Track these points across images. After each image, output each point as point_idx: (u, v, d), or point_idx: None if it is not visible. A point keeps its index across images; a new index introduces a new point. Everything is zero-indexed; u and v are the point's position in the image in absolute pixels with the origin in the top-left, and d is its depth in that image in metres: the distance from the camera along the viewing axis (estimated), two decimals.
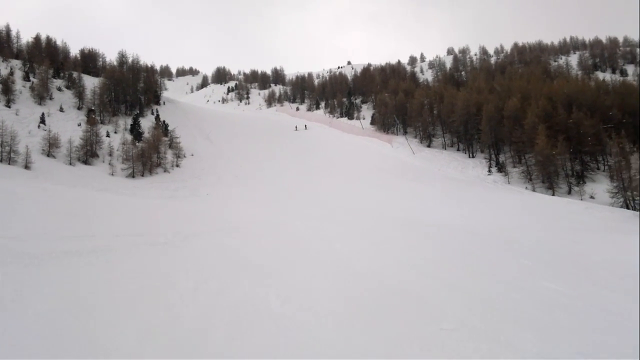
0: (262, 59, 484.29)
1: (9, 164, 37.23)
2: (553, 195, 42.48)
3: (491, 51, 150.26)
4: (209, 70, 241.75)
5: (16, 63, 65.59)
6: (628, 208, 35.42)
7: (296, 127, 74.05)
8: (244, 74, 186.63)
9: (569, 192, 43.83)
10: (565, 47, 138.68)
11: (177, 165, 49.54)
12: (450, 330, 5.86)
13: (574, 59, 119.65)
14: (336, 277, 8.56)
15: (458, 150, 64.47)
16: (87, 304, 5.84)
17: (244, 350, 4.92)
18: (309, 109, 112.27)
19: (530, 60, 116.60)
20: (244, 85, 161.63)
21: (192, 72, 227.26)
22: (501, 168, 52.37)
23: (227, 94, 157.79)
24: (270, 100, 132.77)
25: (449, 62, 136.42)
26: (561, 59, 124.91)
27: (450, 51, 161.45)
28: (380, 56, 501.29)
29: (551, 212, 30.67)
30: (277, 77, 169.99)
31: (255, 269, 8.87)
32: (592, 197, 41.04)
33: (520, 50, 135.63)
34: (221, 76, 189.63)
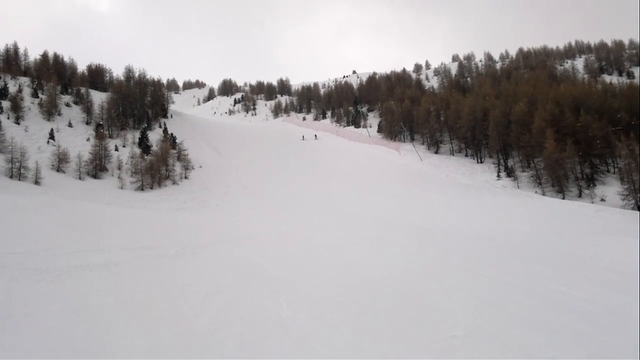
0: (267, 71, 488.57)
1: (19, 179, 37.52)
2: (563, 198, 42.22)
3: (496, 57, 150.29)
4: (215, 83, 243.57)
5: (24, 80, 66.36)
6: (639, 210, 35.14)
7: (303, 137, 73.98)
8: (250, 85, 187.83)
9: (580, 195, 43.52)
10: (571, 51, 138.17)
11: (186, 177, 49.70)
12: (462, 336, 5.83)
13: (580, 63, 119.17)
14: (347, 286, 8.52)
15: (466, 156, 64.30)
16: (99, 318, 5.85)
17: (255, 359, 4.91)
18: (316, 119, 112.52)
19: (535, 65, 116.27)
20: (250, 96, 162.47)
21: (199, 84, 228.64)
22: (510, 173, 52.15)
23: (234, 105, 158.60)
24: (277, 111, 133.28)
25: (454, 68, 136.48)
26: (567, 62, 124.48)
27: (455, 58, 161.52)
28: (384, 64, 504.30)
29: (562, 215, 30.47)
30: (283, 87, 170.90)
31: (266, 278, 8.86)
32: (602, 200, 40.76)
33: (525, 56, 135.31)
34: (227, 88, 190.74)
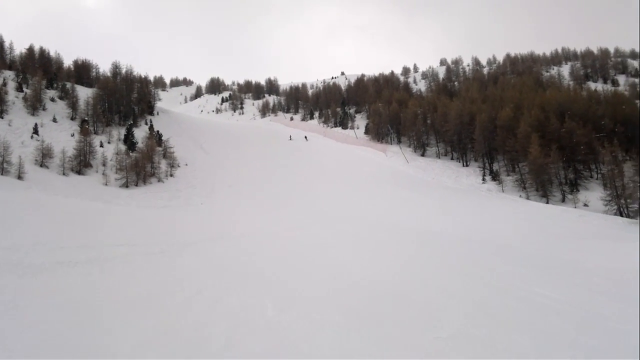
0: (255, 70, 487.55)
1: (1, 174, 36.98)
2: (547, 203, 42.64)
3: (484, 62, 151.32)
4: (202, 81, 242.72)
5: (9, 74, 65.45)
6: (622, 215, 35.62)
7: (290, 137, 73.72)
8: (238, 84, 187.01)
9: (563, 200, 44.03)
10: (557, 58, 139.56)
11: (171, 175, 49.37)
12: (447, 337, 5.85)
13: (565, 70, 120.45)
14: (333, 285, 8.52)
15: (452, 159, 64.73)
16: (83, 313, 5.79)
17: (241, 358, 4.88)
18: (303, 119, 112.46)
19: (522, 70, 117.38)
20: (238, 95, 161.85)
21: (186, 82, 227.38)
22: (495, 176, 52.57)
23: (221, 104, 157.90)
24: (265, 110, 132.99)
25: (442, 72, 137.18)
26: (553, 69, 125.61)
27: (443, 62, 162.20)
28: (372, 66, 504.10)
29: (545, 219, 30.75)
30: (271, 87, 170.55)
31: (252, 277, 8.82)
32: (585, 205, 41.26)
33: (512, 61, 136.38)
34: (215, 86, 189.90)
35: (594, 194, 43.03)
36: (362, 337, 5.75)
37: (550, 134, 51.23)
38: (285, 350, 5.18)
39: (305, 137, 74.56)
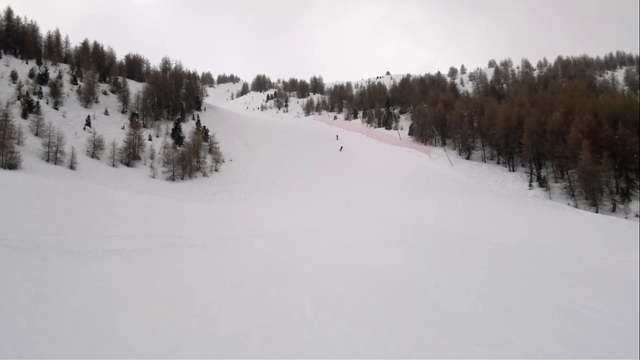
0: (300, 68, 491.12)
1: (55, 163, 38.55)
2: (596, 212, 41.26)
3: (534, 64, 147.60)
4: (249, 78, 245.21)
5: (64, 67, 68.21)
6: None
7: (337, 137, 73.68)
8: (283, 82, 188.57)
9: (614, 210, 42.46)
10: (612, 62, 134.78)
11: (216, 170, 50.30)
12: (487, 346, 5.75)
13: (620, 74, 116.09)
14: (371, 287, 8.49)
15: (498, 163, 63.35)
16: (126, 302, 5.94)
17: (279, 354, 4.92)
18: (347, 118, 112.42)
19: (574, 74, 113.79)
20: (283, 93, 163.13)
21: (233, 79, 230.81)
22: (542, 183, 51.17)
23: (266, 101, 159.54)
24: (309, 109, 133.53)
25: (490, 74, 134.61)
26: (607, 73, 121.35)
27: (491, 63, 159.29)
28: (416, 66, 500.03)
29: (594, 229, 29.76)
30: (316, 85, 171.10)
31: (291, 274, 8.87)
32: (637, 216, 39.66)
33: (564, 64, 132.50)
34: (261, 84, 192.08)
35: None
36: (400, 340, 5.70)
37: (602, 141, 49.47)
38: (322, 349, 5.18)
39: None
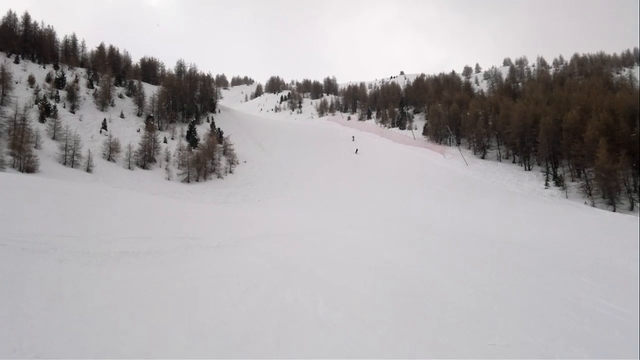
0: (313, 69, 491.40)
1: (72, 166, 39.06)
2: (614, 211, 40.68)
3: (550, 62, 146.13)
4: (263, 80, 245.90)
5: (81, 71, 69.02)
6: None
7: (353, 138, 73.12)
8: (297, 83, 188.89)
9: (632, 209, 41.82)
10: (629, 59, 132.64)
11: (231, 172, 50.55)
12: (502, 345, 5.74)
13: (637, 71, 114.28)
14: (385, 287, 8.49)
15: (513, 162, 62.74)
16: (142, 303, 6.02)
17: (292, 354, 4.95)
18: (361, 119, 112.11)
19: (591, 71, 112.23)
20: (297, 94, 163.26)
21: (247, 81, 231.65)
22: (559, 182, 50.59)
23: (280, 102, 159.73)
24: (322, 110, 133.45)
25: (505, 72, 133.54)
26: (624, 70, 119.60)
27: (506, 62, 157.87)
28: (430, 65, 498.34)
29: (612, 228, 29.36)
30: (329, 86, 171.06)
31: (305, 275, 8.90)
32: None
33: (580, 62, 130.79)
34: (274, 85, 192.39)
35: None
36: (414, 340, 5.71)
37: (619, 139, 48.75)
38: (335, 349, 5.21)
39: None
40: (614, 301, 8.90)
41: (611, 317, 7.70)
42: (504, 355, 5.43)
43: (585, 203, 43.78)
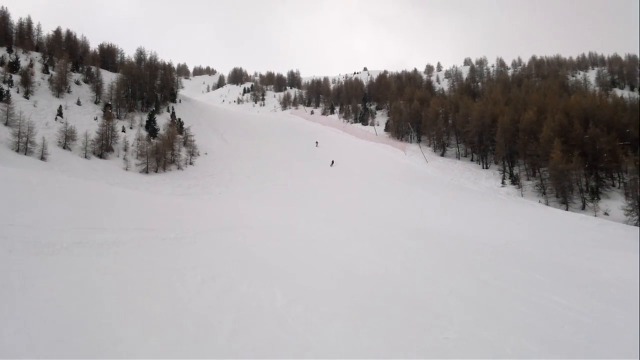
0: (276, 61, 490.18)
1: (25, 154, 37.68)
2: (567, 210, 42.05)
3: (509, 63, 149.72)
4: (225, 71, 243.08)
5: (36, 55, 66.64)
6: None
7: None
8: (260, 75, 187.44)
9: (583, 208, 43.35)
10: (584, 63, 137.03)
11: (191, 163, 49.82)
12: (455, 339, 5.84)
13: (592, 75, 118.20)
14: (343, 281, 8.55)
15: (472, 160, 64.09)
16: (94, 294, 5.87)
17: (248, 347, 4.93)
18: (324, 113, 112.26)
19: (547, 74, 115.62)
20: (260, 86, 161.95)
21: (209, 71, 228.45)
22: (515, 180, 51.90)
23: (243, 94, 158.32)
24: (285, 103, 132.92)
25: (465, 72, 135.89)
26: (579, 74, 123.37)
27: (467, 62, 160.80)
28: (392, 61, 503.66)
29: (564, 226, 30.34)
30: (293, 80, 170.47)
31: (264, 268, 8.86)
32: (606, 214, 40.55)
33: (538, 64, 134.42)
34: (237, 77, 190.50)
35: (616, 203, 42.27)
36: (370, 332, 5.76)
37: (573, 140, 50.45)
38: (292, 341, 5.20)
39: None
40: (565, 297, 9.19)
41: (561, 312, 7.94)
42: (456, 349, 5.53)
43: (540, 202, 45.11)
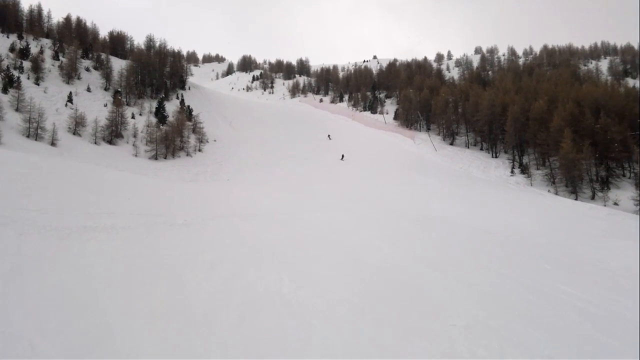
0: (284, 49, 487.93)
1: (35, 139, 37.97)
2: (576, 199, 41.78)
3: (520, 52, 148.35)
4: (234, 58, 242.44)
5: (46, 42, 66.83)
6: None
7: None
8: (270, 63, 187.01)
9: (593, 198, 43.07)
10: (596, 52, 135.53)
11: (200, 150, 50.00)
12: (462, 326, 5.84)
13: (604, 64, 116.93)
14: (351, 268, 8.56)
15: (481, 149, 63.72)
16: (103, 278, 5.93)
17: (254, 332, 4.96)
18: (333, 101, 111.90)
19: (559, 63, 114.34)
20: (269, 74, 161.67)
21: (218, 59, 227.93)
22: (524, 170, 51.62)
23: (252, 82, 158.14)
24: (294, 91, 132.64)
25: (476, 61, 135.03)
26: (591, 63, 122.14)
27: (477, 50, 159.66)
28: (401, 47, 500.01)
29: (573, 216, 30.17)
30: (302, 68, 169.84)
31: (271, 254, 8.89)
32: (615, 204, 40.26)
33: (549, 53, 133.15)
34: (247, 64, 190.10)
35: (626, 193, 41.94)
36: (376, 319, 5.78)
37: (584, 130, 49.94)
38: (298, 327, 5.24)
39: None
40: (572, 286, 9.17)
41: (568, 301, 7.92)
42: (462, 336, 5.54)
43: (549, 191, 44.88)
